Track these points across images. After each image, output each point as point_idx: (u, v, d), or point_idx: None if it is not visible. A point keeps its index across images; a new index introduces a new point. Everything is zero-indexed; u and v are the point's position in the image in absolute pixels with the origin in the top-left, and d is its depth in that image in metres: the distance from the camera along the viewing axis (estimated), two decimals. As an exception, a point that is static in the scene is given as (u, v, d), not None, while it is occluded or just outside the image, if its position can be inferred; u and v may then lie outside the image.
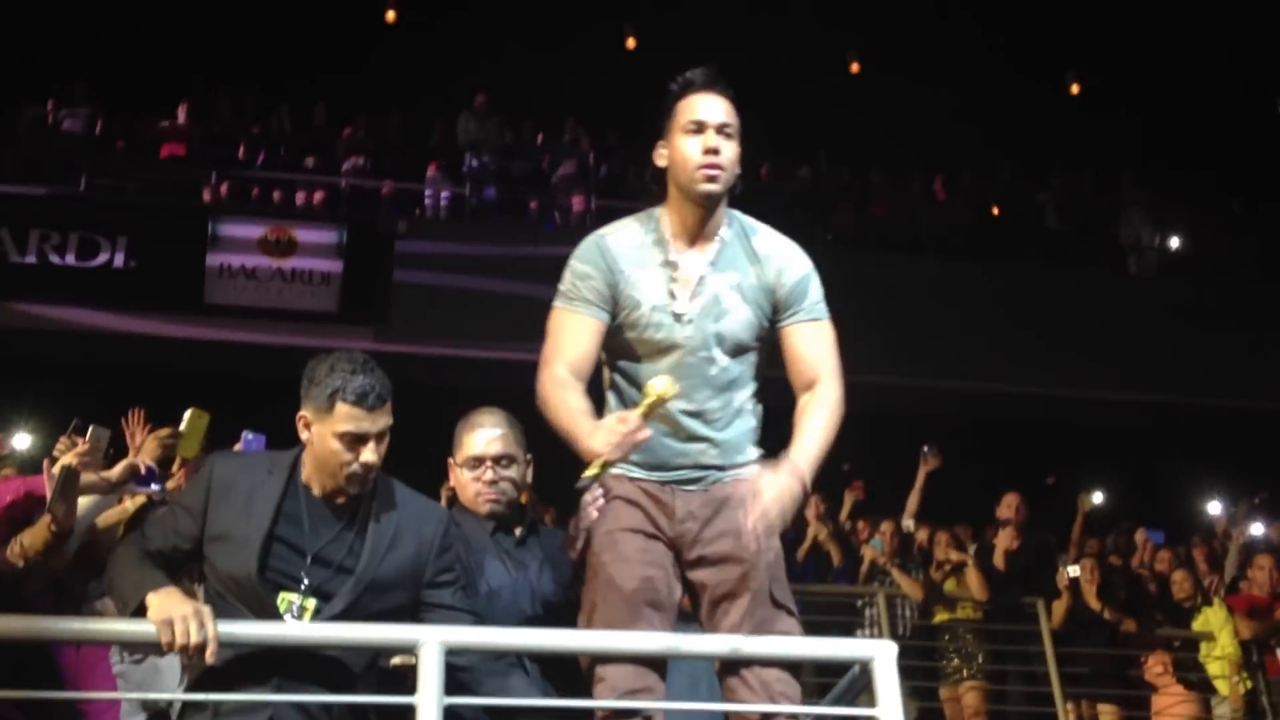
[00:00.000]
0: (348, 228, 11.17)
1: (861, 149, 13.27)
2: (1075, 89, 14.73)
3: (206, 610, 2.22)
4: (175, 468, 3.59)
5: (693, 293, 2.57)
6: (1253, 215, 13.94)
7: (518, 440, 3.02)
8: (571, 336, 2.55)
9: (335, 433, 2.44)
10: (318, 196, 11.70)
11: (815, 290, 2.65)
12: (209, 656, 2.19)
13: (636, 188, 11.38)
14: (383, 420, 2.47)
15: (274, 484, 2.49)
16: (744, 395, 2.63)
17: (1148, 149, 13.82)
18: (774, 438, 2.68)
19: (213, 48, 12.73)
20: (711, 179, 2.54)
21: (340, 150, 12.08)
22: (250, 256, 10.81)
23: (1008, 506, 7.49)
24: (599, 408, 2.61)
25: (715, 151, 2.54)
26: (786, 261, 2.64)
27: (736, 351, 2.59)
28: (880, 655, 2.35)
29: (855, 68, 14.50)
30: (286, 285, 10.83)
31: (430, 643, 2.18)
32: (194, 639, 2.17)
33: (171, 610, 2.21)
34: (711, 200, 2.58)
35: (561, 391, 2.46)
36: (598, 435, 2.30)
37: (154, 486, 3.10)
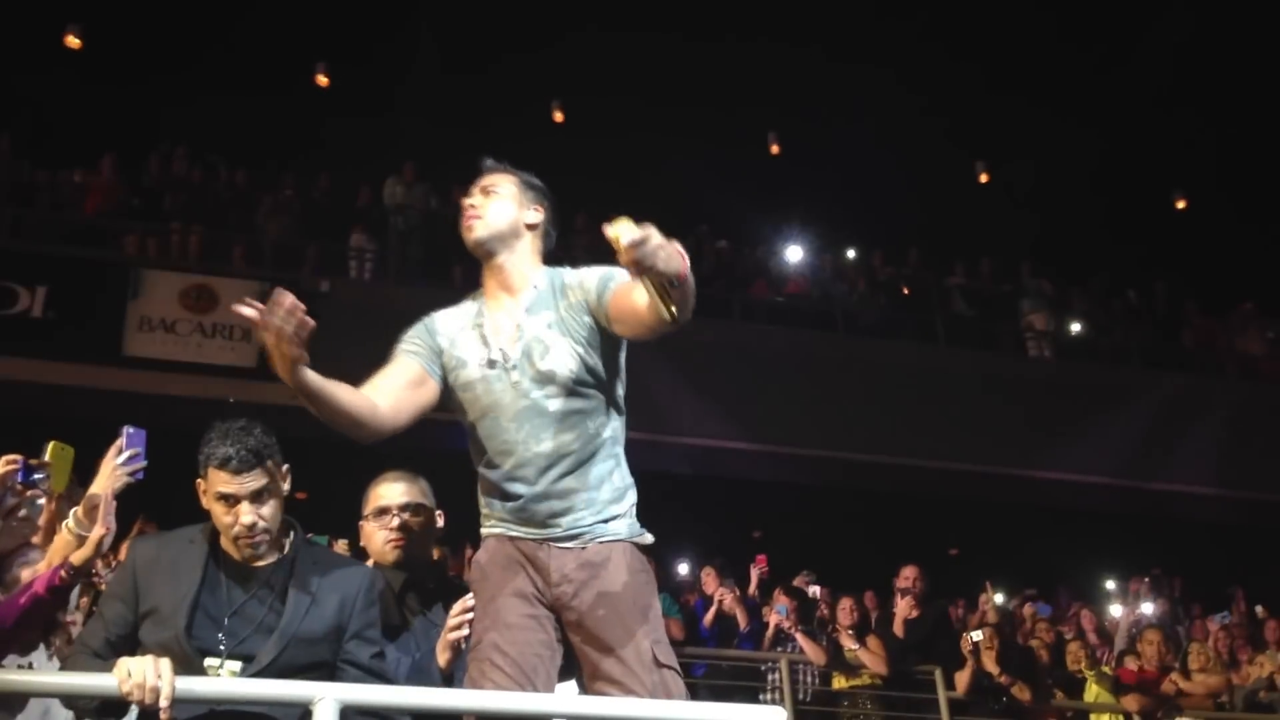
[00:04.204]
0: (270, 284, 11.16)
1: (776, 228, 13.66)
2: (984, 178, 15.35)
3: (165, 661, 2.24)
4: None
5: (513, 339, 2.65)
6: (1147, 304, 14.60)
7: (424, 491, 3.13)
8: (383, 369, 2.66)
9: (213, 495, 2.54)
10: (240, 252, 11.72)
11: (621, 273, 2.53)
12: (164, 701, 2.19)
13: (560, 254, 11.57)
14: (252, 482, 2.52)
15: (196, 552, 2.56)
16: (600, 431, 2.63)
17: (1048, 239, 14.41)
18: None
19: (143, 103, 12.74)
20: (469, 228, 2.72)
21: (266, 208, 12.12)
22: (171, 309, 10.79)
23: (905, 578, 7.70)
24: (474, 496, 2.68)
25: (471, 208, 2.74)
26: (586, 272, 2.70)
27: (572, 386, 2.60)
28: (770, 721, 2.31)
29: (775, 149, 14.98)
30: (206, 339, 10.80)
31: (326, 699, 2.15)
32: (150, 681, 2.19)
33: (133, 661, 2.24)
34: (482, 247, 2.72)
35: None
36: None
37: (36, 476, 3.06)
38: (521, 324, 2.67)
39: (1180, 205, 15.63)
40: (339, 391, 2.45)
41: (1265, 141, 14.07)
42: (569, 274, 2.73)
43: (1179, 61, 13.86)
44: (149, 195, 11.95)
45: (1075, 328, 13.96)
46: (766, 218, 13.53)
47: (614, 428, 2.69)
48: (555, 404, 2.60)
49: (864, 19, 13.45)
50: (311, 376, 2.37)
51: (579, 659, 2.56)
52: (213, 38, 13.06)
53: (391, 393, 2.58)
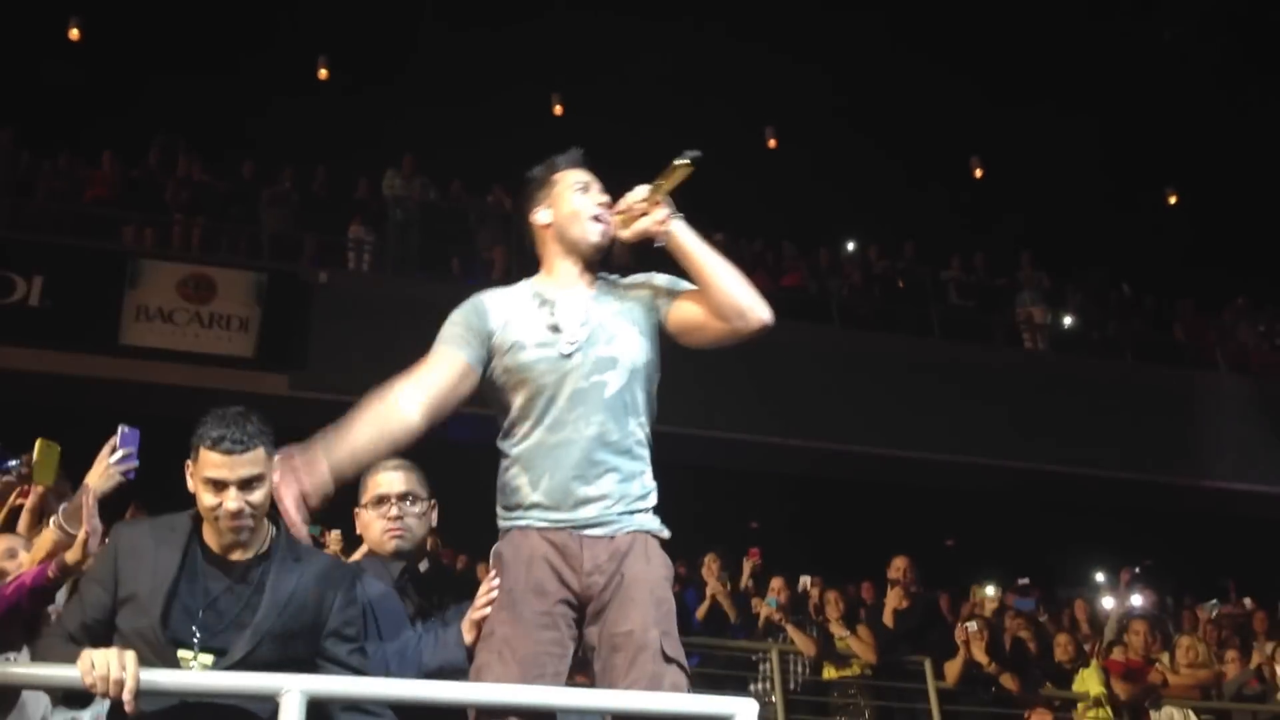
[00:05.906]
0: (268, 275, 11.24)
1: (774, 220, 13.72)
2: (979, 174, 15.40)
3: (130, 653, 2.22)
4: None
5: (581, 322, 2.68)
6: (1139, 298, 14.67)
7: (420, 481, 3.15)
8: (429, 364, 2.67)
9: (201, 478, 2.50)
10: (240, 244, 11.77)
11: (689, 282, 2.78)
12: (127, 694, 2.17)
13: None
14: (242, 468, 2.48)
15: (177, 540, 2.53)
16: (637, 431, 2.68)
17: (1044, 233, 14.48)
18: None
19: (142, 94, 12.78)
20: (606, 233, 2.75)
21: (265, 200, 12.17)
22: (169, 299, 10.83)
23: (896, 569, 7.77)
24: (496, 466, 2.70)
25: (607, 208, 2.76)
26: (648, 276, 2.82)
27: (630, 376, 2.66)
28: (742, 712, 2.30)
29: (772, 144, 15.04)
30: (204, 329, 10.84)
31: (293, 691, 2.11)
32: (114, 674, 2.16)
33: (97, 653, 2.22)
34: (602, 252, 2.77)
35: (369, 406, 2.60)
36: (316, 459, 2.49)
37: (11, 464, 3.07)
38: (590, 310, 2.70)
39: (1172, 200, 15.69)
40: (371, 446, 2.60)
41: (1258, 136, 14.12)
42: (628, 278, 2.82)
43: (1173, 56, 13.91)
44: (148, 186, 11.99)
45: (1069, 321, 14.02)
46: (762, 210, 13.57)
47: (648, 430, 2.73)
48: (611, 391, 2.64)
49: (861, 15, 13.49)
50: (342, 468, 2.52)
51: (589, 648, 2.56)
52: (213, 29, 13.09)
53: (435, 394, 2.62)
